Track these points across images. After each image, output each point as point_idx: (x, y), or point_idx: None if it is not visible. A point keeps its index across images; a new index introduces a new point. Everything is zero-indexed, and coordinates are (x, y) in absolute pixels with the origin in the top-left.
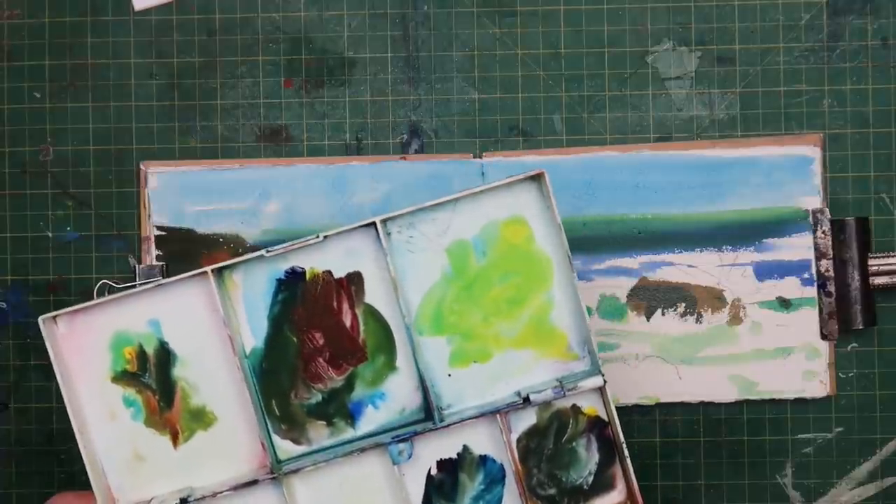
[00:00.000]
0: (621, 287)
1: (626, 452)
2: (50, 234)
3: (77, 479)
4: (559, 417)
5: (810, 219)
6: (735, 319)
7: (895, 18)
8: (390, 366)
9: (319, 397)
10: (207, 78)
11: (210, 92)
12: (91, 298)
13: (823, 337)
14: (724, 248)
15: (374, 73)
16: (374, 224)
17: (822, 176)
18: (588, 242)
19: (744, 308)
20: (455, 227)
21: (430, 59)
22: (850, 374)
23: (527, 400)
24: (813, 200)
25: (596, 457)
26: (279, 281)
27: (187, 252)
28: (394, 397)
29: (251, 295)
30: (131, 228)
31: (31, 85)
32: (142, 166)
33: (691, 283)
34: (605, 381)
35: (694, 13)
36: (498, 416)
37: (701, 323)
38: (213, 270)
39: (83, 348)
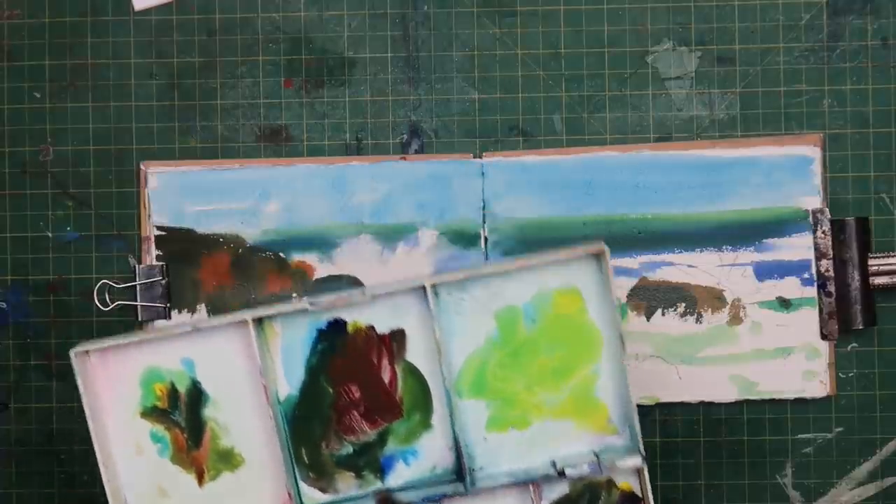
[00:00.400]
0: (621, 287)
1: None
2: (50, 234)
3: (77, 479)
4: (591, 489)
5: (810, 219)
6: (735, 319)
7: (895, 18)
8: (425, 424)
9: (350, 449)
10: (207, 78)
11: (210, 92)
12: (91, 299)
13: (823, 337)
14: (724, 248)
15: (374, 73)
16: (423, 286)
17: (822, 176)
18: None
19: (744, 308)
20: (506, 292)
21: (430, 59)
22: (850, 374)
23: (562, 473)
24: (813, 200)
25: None
26: (320, 331)
27: (187, 252)
28: (426, 455)
29: (290, 342)
30: (131, 228)
31: (31, 85)
32: (142, 166)
33: (691, 283)
34: (644, 462)
35: (694, 13)
36: (530, 486)
37: (701, 323)
38: (253, 320)
39: (114, 381)
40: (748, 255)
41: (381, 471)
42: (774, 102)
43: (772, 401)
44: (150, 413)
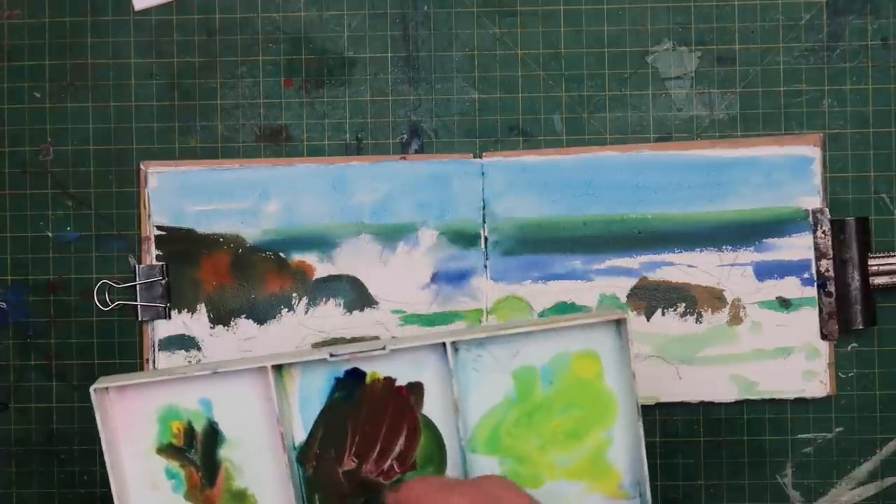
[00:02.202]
0: (621, 287)
1: None
2: (50, 234)
3: (77, 479)
4: None
5: (810, 219)
6: (735, 319)
7: (895, 18)
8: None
9: (362, 499)
10: (207, 78)
11: (210, 92)
12: (91, 299)
13: (823, 337)
14: (724, 248)
15: (374, 73)
16: (443, 343)
17: (822, 176)
18: (588, 242)
19: (744, 308)
20: (525, 352)
21: (430, 59)
22: (850, 374)
23: None
24: (813, 200)
25: None
26: (338, 380)
27: (187, 252)
28: None
29: (308, 389)
30: (131, 228)
31: (31, 85)
32: (142, 166)
33: (691, 283)
34: None
35: (694, 13)
36: None
37: (701, 323)
38: (273, 366)
39: (132, 417)
40: (748, 255)
41: None
42: (774, 102)
43: (772, 401)
44: (166, 450)
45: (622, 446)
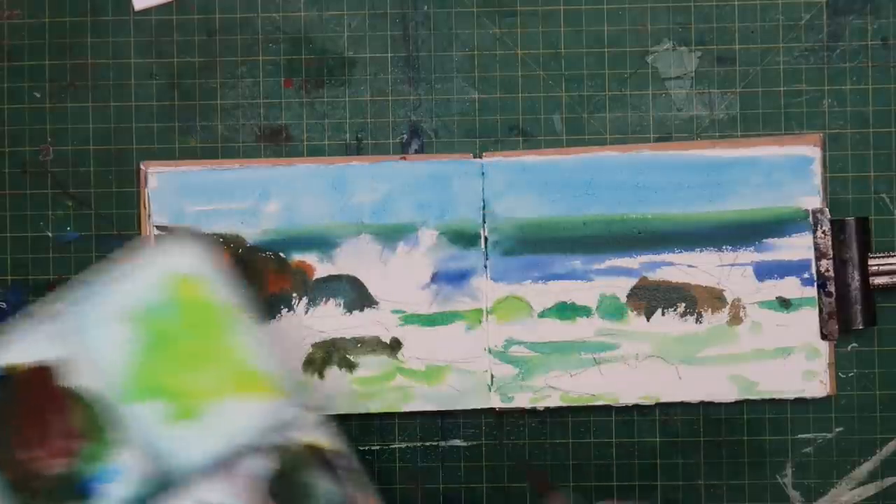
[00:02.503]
0: (621, 287)
1: (368, 479)
2: (50, 234)
3: None
4: (294, 458)
5: (810, 219)
6: (735, 319)
7: (895, 18)
8: (110, 441)
9: (47, 487)
10: (207, 78)
11: (210, 92)
12: None
13: (823, 337)
14: (724, 248)
15: (374, 73)
16: (57, 313)
17: (822, 176)
18: (588, 242)
19: (744, 308)
20: (133, 292)
21: (430, 59)
22: (850, 374)
23: (252, 449)
24: (813, 200)
25: (343, 488)
26: None
27: None
28: (122, 470)
29: None
30: (131, 228)
31: (31, 85)
32: (142, 166)
33: (691, 283)
34: (319, 418)
35: (694, 13)
36: (232, 469)
37: (701, 323)
38: None
39: None
40: (748, 255)
41: (86, 497)
42: (774, 102)
43: (772, 401)
44: None
45: (258, 350)
